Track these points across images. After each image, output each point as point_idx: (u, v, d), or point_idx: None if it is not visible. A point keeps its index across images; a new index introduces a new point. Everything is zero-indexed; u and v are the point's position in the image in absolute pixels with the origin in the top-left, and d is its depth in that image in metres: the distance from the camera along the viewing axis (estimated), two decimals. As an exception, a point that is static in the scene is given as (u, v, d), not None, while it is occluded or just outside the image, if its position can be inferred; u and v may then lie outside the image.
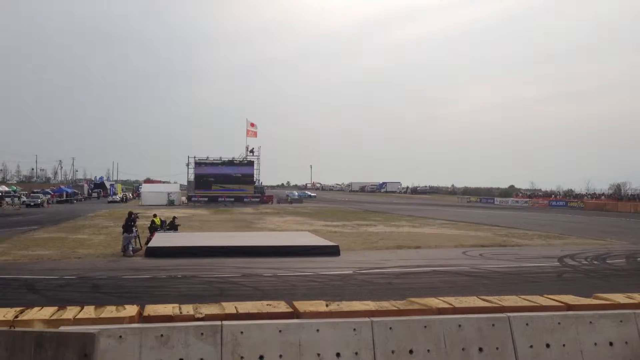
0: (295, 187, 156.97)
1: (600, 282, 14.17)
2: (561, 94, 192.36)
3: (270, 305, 7.26)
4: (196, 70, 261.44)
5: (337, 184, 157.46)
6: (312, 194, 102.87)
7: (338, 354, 6.53)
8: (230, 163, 78.14)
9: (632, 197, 64.47)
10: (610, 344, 7.19)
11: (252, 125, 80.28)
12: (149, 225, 25.51)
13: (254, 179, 79.19)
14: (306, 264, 16.89)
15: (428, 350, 6.70)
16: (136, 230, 20.99)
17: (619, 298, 8.18)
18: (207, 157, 77.85)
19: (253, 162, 78.54)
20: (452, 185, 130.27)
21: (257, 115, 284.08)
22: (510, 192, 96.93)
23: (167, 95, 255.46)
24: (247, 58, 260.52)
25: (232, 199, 74.81)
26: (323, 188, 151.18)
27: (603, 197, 70.01)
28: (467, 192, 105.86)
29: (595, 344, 7.14)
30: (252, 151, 78.68)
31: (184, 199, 75.82)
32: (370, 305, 7.33)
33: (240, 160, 78.53)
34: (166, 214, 35.06)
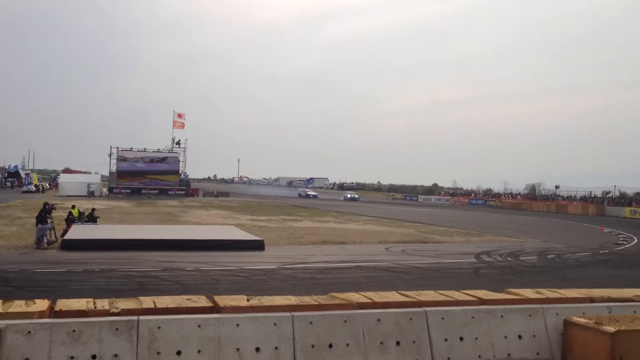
0: (222, 180, 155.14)
1: (512, 278, 14.81)
2: (485, 96, 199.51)
3: (190, 299, 7.14)
4: (125, 58, 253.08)
5: (264, 179, 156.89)
6: (313, 193, 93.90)
7: (258, 349, 6.52)
8: (155, 154, 76.22)
9: (545, 197, 67.81)
10: (520, 337, 7.53)
11: (180, 116, 78.52)
12: (65, 217, 24.49)
13: (180, 171, 77.57)
14: (230, 258, 16.74)
15: (347, 345, 6.79)
16: (51, 222, 20.08)
17: (529, 293, 8.58)
18: (131, 148, 75.49)
19: (179, 154, 76.94)
20: (379, 182, 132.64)
21: (186, 106, 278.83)
22: (433, 190, 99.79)
23: (91, 84, 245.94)
24: (178, 48, 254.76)
25: (156, 192, 72.97)
26: (250, 182, 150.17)
27: (519, 196, 73.26)
28: (392, 189, 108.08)
29: (506, 337, 7.46)
30: (178, 143, 76.93)
31: (105, 190, 73.26)
32: (291, 299, 7.35)
33: (166, 152, 76.75)
34: (85, 205, 33.79)
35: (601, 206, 54.82)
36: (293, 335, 6.63)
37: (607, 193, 60.23)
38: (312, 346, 6.66)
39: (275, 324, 6.63)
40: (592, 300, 8.31)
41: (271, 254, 18.19)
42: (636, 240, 27.01)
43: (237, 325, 6.52)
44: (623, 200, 55.81)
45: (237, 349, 6.43)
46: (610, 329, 6.96)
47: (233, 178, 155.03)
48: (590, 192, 62.00)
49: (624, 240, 26.96)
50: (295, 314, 6.79)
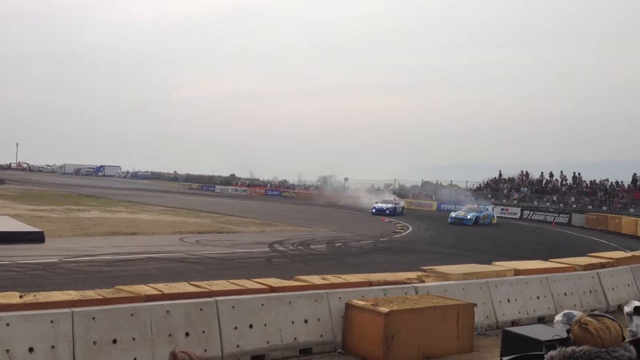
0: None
1: (303, 266, 15.50)
2: (283, 89, 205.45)
3: (-52, 299, 6.30)
4: None
5: (47, 165, 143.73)
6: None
7: (31, 349, 5.98)
8: None
9: (335, 189, 72.16)
10: (306, 321, 7.92)
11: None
12: None
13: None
14: (3, 252, 15.05)
15: (133, 339, 6.54)
16: None
17: (316, 279, 9.06)
18: None
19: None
20: (175, 172, 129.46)
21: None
22: (231, 180, 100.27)
23: None
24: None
25: None
26: (31, 169, 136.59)
27: (312, 187, 76.99)
28: (189, 179, 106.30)
29: (293, 322, 7.79)
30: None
31: None
32: (72, 295, 6.86)
33: None
34: None
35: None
36: (73, 333, 6.19)
37: (389, 186, 65.96)
38: (95, 343, 6.29)
39: (52, 322, 6.14)
40: (370, 284, 9.04)
41: (52, 246, 16.75)
42: (411, 229, 29.98)
43: (7, 324, 5.91)
44: (402, 192, 61.73)
45: (7, 350, 5.84)
46: (384, 309, 7.64)
47: (10, 164, 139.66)
48: (372, 184, 67.45)
49: (401, 229, 29.75)
50: (75, 309, 6.35)
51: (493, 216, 38.95)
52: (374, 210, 41.66)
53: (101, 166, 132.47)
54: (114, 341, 6.41)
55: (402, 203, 46.00)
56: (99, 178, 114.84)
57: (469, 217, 35.52)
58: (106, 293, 7.14)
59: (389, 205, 42.48)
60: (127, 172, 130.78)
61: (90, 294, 7.03)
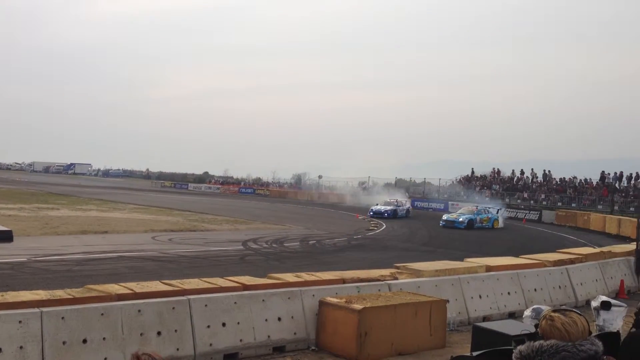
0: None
1: (276, 263, 15.48)
2: (260, 87, 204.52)
3: None
4: None
5: (16, 163, 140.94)
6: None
7: (-1, 350, 5.86)
8: None
9: (309, 187, 72.19)
10: (279, 319, 7.91)
11: None
12: None
13: None
14: (-30, 251, 14.75)
15: (104, 338, 6.46)
16: None
17: (289, 277, 9.05)
18: None
19: None
20: (147, 170, 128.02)
21: None
22: (204, 178, 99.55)
23: None
24: None
25: None
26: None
27: (286, 185, 76.92)
28: (162, 176, 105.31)
29: (266, 320, 7.77)
30: None
31: None
32: (41, 294, 6.74)
33: None
34: None
35: (357, 195, 60.22)
36: (42, 333, 6.09)
37: (363, 183, 66.18)
38: (64, 343, 6.20)
39: (20, 322, 6.04)
40: (344, 281, 9.07)
41: (21, 245, 16.45)
42: (384, 227, 30.13)
43: (-26, 325, 5.78)
44: (375, 189, 62.06)
45: (-26, 352, 5.71)
46: (358, 306, 7.67)
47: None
48: (347, 182, 67.72)
49: (374, 227, 29.88)
50: (44, 309, 6.25)
51: (496, 219, 33.87)
52: (371, 214, 36.96)
53: (71, 164, 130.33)
54: (84, 341, 6.31)
55: (407, 204, 40.50)
56: (70, 176, 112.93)
57: (460, 219, 31.87)
58: (76, 292, 7.03)
59: (389, 208, 37.28)
60: (99, 170, 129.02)
61: (60, 293, 6.92)
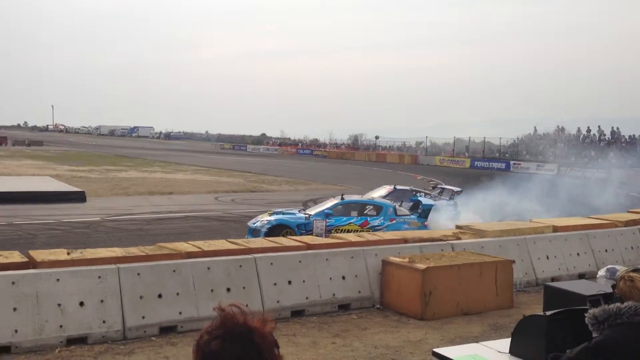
0: (35, 128, 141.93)
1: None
2: (306, 49, 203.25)
3: (1, 255, 6.55)
4: None
5: (83, 127, 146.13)
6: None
7: (82, 303, 6.21)
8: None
9: (366, 148, 71.85)
10: (343, 277, 8.01)
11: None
12: None
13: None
14: (47, 211, 15.53)
15: (177, 294, 6.72)
16: None
17: (351, 237, 9.12)
18: None
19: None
20: (207, 132, 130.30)
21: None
22: (262, 139, 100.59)
23: None
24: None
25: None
26: (67, 130, 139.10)
27: (343, 146, 76.76)
28: (221, 139, 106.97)
29: (331, 278, 7.89)
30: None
31: None
32: (117, 251, 7.06)
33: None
34: None
35: (415, 155, 59.49)
36: (120, 287, 6.40)
37: (420, 143, 65.30)
38: (141, 297, 6.49)
39: (99, 277, 6.35)
40: (406, 241, 9.06)
41: (94, 205, 17.20)
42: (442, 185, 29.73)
43: (57, 280, 6.13)
44: (434, 150, 61.12)
45: (59, 305, 6.08)
46: (422, 266, 7.67)
47: (47, 126, 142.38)
48: (404, 142, 66.92)
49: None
50: (121, 266, 6.55)
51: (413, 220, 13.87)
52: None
53: (135, 127, 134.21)
54: (159, 296, 6.60)
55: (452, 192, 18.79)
56: (133, 139, 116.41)
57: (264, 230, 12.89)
58: (148, 250, 7.33)
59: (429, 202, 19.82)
60: (160, 132, 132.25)
61: (134, 250, 7.22)
